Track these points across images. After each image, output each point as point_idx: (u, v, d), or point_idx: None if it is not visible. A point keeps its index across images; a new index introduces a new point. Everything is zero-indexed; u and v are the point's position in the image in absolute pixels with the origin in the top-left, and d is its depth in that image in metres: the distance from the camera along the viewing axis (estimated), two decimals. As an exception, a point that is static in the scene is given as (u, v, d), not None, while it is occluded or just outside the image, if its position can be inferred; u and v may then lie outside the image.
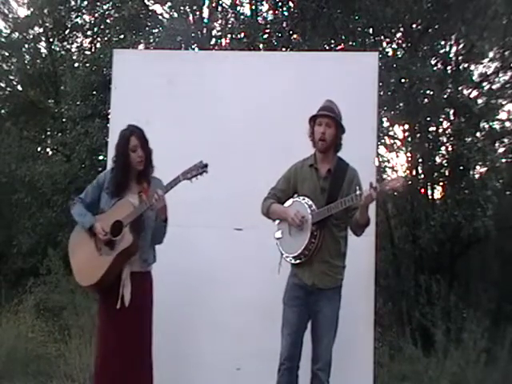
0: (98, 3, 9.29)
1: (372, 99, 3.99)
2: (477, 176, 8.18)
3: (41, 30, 10.73)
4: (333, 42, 8.01)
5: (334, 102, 3.35)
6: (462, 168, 7.97)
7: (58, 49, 10.87)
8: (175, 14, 9.11)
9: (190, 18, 9.00)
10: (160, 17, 9.15)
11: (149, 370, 3.30)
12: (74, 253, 3.42)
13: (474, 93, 8.67)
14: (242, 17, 8.46)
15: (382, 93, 7.05)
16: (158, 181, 3.36)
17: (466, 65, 8.70)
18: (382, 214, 8.43)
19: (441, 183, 8.77)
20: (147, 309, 3.34)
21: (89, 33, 10.09)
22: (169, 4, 9.13)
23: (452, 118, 8.44)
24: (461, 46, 8.70)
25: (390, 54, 8.38)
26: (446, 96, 7.88)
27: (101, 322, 3.36)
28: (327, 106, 3.32)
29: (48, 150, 11.01)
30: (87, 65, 8.80)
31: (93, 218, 3.34)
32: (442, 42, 8.50)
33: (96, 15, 9.53)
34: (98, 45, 9.68)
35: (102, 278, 3.21)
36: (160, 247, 3.43)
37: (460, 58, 8.67)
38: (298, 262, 3.26)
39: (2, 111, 11.17)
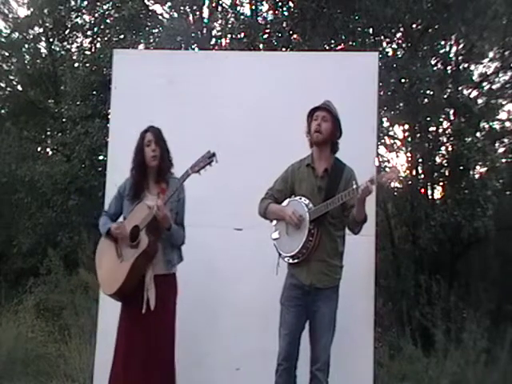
0: (98, 3, 9.28)
1: (372, 99, 3.99)
2: (477, 176, 8.19)
3: (41, 30, 10.74)
4: (333, 42, 8.01)
5: (331, 103, 3.36)
6: (462, 168, 7.98)
7: (58, 49, 10.87)
8: (175, 14, 9.11)
9: (190, 18, 9.01)
10: (160, 17, 9.15)
11: (171, 373, 3.29)
12: (100, 264, 3.44)
13: (474, 93, 8.69)
14: (242, 17, 8.45)
15: (382, 93, 7.05)
16: (176, 180, 3.33)
17: (466, 65, 8.71)
18: (382, 214, 8.43)
19: (441, 183, 8.78)
20: (171, 312, 3.33)
21: (89, 33, 10.08)
22: (169, 4, 9.13)
23: (452, 118, 8.45)
24: (461, 46, 8.71)
25: (390, 54, 8.38)
26: (446, 96, 7.89)
27: (124, 325, 3.31)
28: (324, 104, 3.35)
29: (48, 150, 11.02)
30: (87, 65, 8.80)
31: (110, 224, 3.38)
32: (442, 42, 8.51)
33: (96, 15, 9.52)
34: (98, 45, 9.67)
35: (124, 283, 3.21)
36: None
37: (460, 57, 8.68)
38: (295, 261, 3.26)
39: (2, 111, 11.18)
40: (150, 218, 3.19)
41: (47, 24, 10.52)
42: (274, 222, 3.41)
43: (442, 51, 8.48)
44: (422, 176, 8.82)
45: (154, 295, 3.21)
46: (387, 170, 8.54)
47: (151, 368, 3.20)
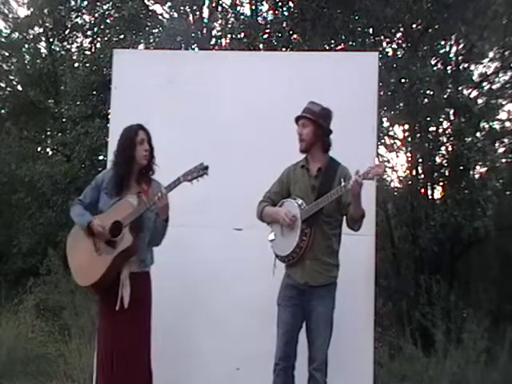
0: (98, 3, 9.28)
1: (372, 99, 3.99)
2: (477, 176, 8.19)
3: (41, 30, 10.75)
4: (333, 42, 8.01)
5: (315, 102, 3.35)
6: (462, 168, 7.98)
7: (58, 49, 10.88)
8: (175, 14, 9.11)
9: (190, 18, 9.01)
10: (160, 17, 9.15)
11: (147, 370, 3.30)
12: (73, 253, 3.41)
13: (474, 93, 8.69)
14: (241, 17, 8.45)
15: (382, 93, 7.05)
16: (157, 183, 3.36)
17: (466, 65, 8.72)
18: (382, 214, 8.44)
19: (441, 183, 8.78)
20: (146, 309, 3.34)
21: (89, 33, 10.09)
22: (169, 4, 9.13)
23: (452, 118, 8.45)
24: (461, 46, 8.71)
25: (390, 54, 8.39)
26: (446, 96, 7.89)
27: (100, 322, 3.36)
28: (304, 108, 3.36)
29: (48, 149, 11.03)
30: (87, 65, 8.81)
31: (91, 216, 3.32)
32: (442, 42, 8.51)
33: (96, 15, 9.52)
34: (98, 45, 9.67)
35: (102, 277, 3.21)
36: (160, 247, 3.42)
37: (460, 57, 8.68)
38: (290, 261, 3.28)
39: (2, 111, 11.19)
40: (135, 216, 3.19)
41: (47, 24, 10.53)
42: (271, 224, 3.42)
43: (442, 51, 8.48)
44: (422, 176, 8.82)
45: (129, 293, 3.21)
46: (390, 175, 8.57)
47: (130, 364, 3.21)
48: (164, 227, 3.33)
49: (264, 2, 8.68)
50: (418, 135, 8.73)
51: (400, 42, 8.60)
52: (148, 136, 3.35)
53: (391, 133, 9.25)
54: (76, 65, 9.53)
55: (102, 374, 3.27)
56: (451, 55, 8.65)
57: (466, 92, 8.44)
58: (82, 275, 3.33)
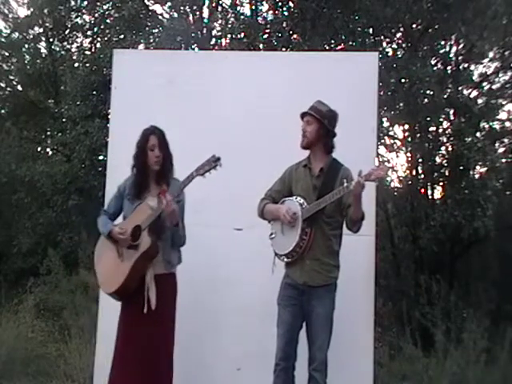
0: (98, 3, 9.29)
1: (372, 99, 3.99)
2: (477, 176, 8.19)
3: (41, 30, 10.76)
4: (333, 42, 8.01)
5: (323, 103, 3.35)
6: (462, 168, 7.99)
7: (58, 49, 10.89)
8: (175, 14, 9.12)
9: (190, 18, 9.02)
10: (160, 17, 9.16)
11: (169, 371, 3.30)
12: (99, 263, 3.42)
13: (474, 93, 8.69)
14: (241, 17, 8.46)
15: (382, 93, 7.05)
16: (177, 182, 3.35)
17: (466, 65, 8.72)
18: (382, 214, 8.44)
19: (441, 183, 8.78)
20: (170, 310, 3.34)
21: (89, 33, 10.10)
22: (169, 4, 9.14)
23: (452, 118, 8.45)
24: (461, 46, 8.72)
25: (390, 54, 8.39)
26: (446, 96, 7.89)
27: (123, 326, 3.31)
28: (312, 106, 3.36)
29: (48, 149, 11.03)
30: (87, 65, 8.82)
31: (111, 225, 3.36)
32: (442, 42, 8.52)
33: (96, 15, 9.54)
34: (98, 45, 9.69)
35: (124, 283, 3.21)
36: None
37: (460, 57, 8.69)
38: (289, 260, 3.28)
39: (2, 111, 11.20)
40: (153, 218, 3.20)
41: (47, 24, 10.53)
42: (272, 222, 3.42)
43: (442, 51, 8.49)
44: (422, 176, 8.83)
45: (155, 294, 3.21)
46: (389, 175, 8.56)
47: (150, 367, 3.20)
48: (176, 231, 3.33)
49: (264, 2, 8.69)
50: (418, 135, 8.74)
51: (400, 42, 8.61)
52: (160, 140, 3.35)
53: (391, 133, 9.27)
54: (76, 65, 9.53)
55: (120, 376, 3.24)
56: (451, 55, 8.66)
57: (466, 92, 8.45)
58: (107, 283, 3.35)
